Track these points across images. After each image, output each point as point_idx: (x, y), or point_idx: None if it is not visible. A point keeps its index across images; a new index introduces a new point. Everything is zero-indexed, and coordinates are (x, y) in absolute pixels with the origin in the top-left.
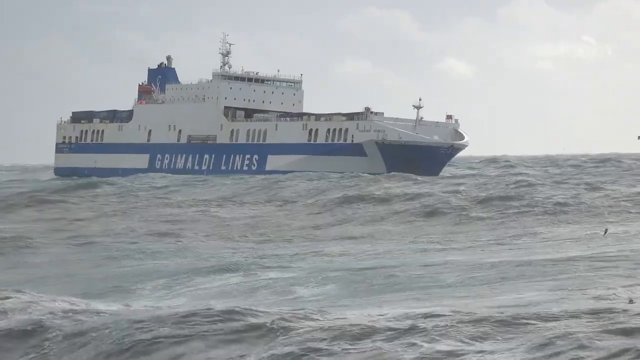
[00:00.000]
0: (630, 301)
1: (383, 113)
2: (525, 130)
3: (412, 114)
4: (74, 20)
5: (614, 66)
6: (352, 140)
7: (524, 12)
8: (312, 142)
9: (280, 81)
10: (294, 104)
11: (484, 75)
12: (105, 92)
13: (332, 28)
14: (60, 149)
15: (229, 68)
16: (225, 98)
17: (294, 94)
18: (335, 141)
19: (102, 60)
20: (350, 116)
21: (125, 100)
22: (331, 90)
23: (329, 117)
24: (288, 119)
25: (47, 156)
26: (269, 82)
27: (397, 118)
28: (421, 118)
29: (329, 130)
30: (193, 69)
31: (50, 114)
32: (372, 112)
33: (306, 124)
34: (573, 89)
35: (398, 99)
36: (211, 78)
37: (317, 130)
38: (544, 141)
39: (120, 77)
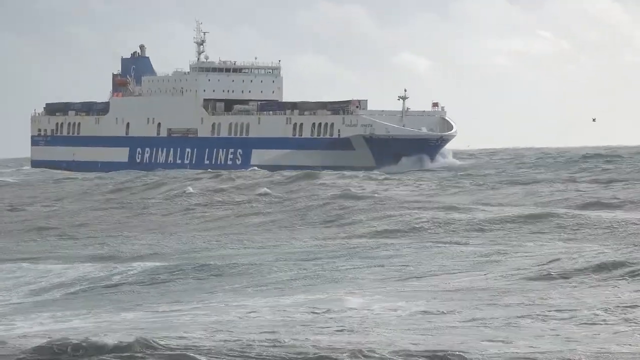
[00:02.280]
0: (594, 120)
1: (367, 100)
2: (483, 123)
3: (394, 106)
4: (34, 14)
5: (571, 60)
6: (339, 135)
7: (477, 7)
8: (297, 136)
9: (258, 69)
10: (273, 91)
11: (438, 69)
12: (77, 83)
13: (287, 23)
14: (36, 141)
15: (206, 59)
16: (204, 90)
17: (273, 81)
18: (322, 136)
19: (70, 51)
20: (335, 109)
21: (99, 91)
22: (291, 85)
23: (313, 111)
24: (271, 112)
25: (18, 149)
26: (247, 71)
27: (382, 110)
28: (407, 109)
29: (314, 124)
30: (167, 57)
31: (21, 106)
32: (357, 101)
33: (290, 118)
34: (530, 82)
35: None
36: (188, 69)
37: (301, 124)
38: (504, 134)
39: (92, 68)
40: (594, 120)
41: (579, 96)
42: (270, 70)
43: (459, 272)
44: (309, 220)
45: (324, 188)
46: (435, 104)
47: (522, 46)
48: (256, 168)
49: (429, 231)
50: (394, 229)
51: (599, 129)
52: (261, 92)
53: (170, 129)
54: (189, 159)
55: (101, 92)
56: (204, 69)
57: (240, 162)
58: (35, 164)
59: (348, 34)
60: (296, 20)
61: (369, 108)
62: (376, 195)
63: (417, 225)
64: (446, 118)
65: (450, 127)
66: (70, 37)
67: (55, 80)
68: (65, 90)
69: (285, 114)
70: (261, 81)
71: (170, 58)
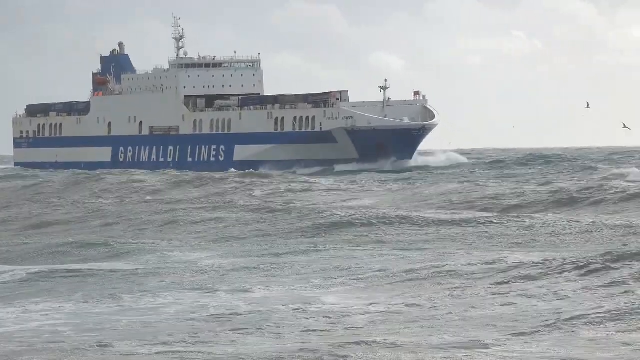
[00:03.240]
0: (588, 105)
1: (348, 91)
2: (459, 124)
3: (375, 97)
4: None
5: (545, 60)
6: (321, 128)
7: (450, 7)
8: (279, 131)
9: (238, 62)
10: (254, 85)
11: (413, 69)
12: (57, 82)
13: (262, 22)
14: (18, 144)
15: (185, 55)
16: (185, 87)
17: (254, 75)
18: (303, 129)
19: (47, 51)
20: (316, 102)
21: (79, 90)
22: (271, 79)
23: (294, 104)
24: (252, 107)
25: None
26: (227, 66)
27: (363, 102)
28: (388, 99)
29: (295, 118)
30: (146, 54)
31: (1, 107)
32: (338, 93)
33: (271, 113)
34: (505, 82)
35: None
36: (167, 66)
37: (283, 118)
38: (482, 135)
39: (71, 67)
40: (587, 106)
41: (553, 96)
42: (251, 64)
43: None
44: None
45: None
46: (416, 93)
47: (495, 46)
48: (233, 170)
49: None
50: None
51: (572, 130)
52: (242, 86)
53: (152, 127)
54: (171, 157)
55: (82, 91)
56: (183, 65)
57: (223, 158)
58: (19, 166)
59: (323, 33)
60: (271, 20)
61: (350, 100)
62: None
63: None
64: (428, 107)
65: (432, 116)
66: (47, 36)
67: (35, 80)
68: (45, 90)
69: (266, 108)
70: (241, 75)
71: (150, 55)
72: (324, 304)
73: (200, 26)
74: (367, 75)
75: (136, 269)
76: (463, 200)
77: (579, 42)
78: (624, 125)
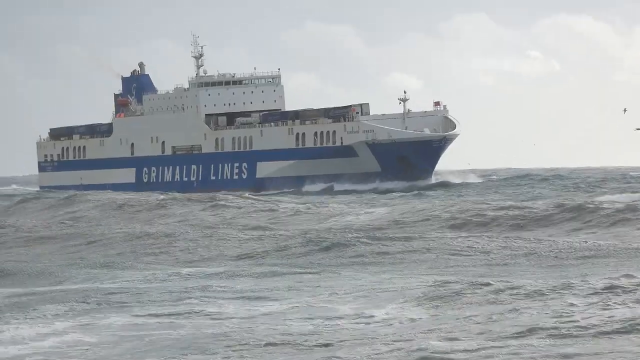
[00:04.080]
0: (625, 110)
1: (369, 104)
2: (475, 143)
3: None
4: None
5: (561, 80)
6: (342, 143)
7: (466, 27)
8: (300, 146)
9: (258, 79)
10: (275, 100)
11: (430, 88)
12: (80, 106)
13: (276, 42)
14: (43, 167)
15: (205, 73)
16: (205, 106)
17: (274, 90)
18: (324, 144)
19: (68, 74)
20: (336, 116)
21: (102, 111)
22: (291, 95)
23: (314, 120)
24: (272, 124)
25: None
26: (247, 82)
27: (383, 114)
28: (408, 110)
29: (316, 133)
30: (166, 72)
31: (25, 131)
32: (359, 106)
33: (292, 129)
34: (520, 102)
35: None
36: (187, 85)
37: (304, 134)
38: (496, 155)
39: (93, 89)
40: (624, 110)
41: (571, 116)
42: (271, 80)
43: None
44: None
45: None
46: (437, 103)
47: (511, 66)
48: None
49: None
50: None
51: (588, 149)
52: (263, 102)
53: (174, 146)
54: (195, 176)
55: (104, 113)
56: (203, 83)
57: (246, 176)
58: (45, 189)
59: (339, 53)
60: (286, 40)
61: (371, 113)
62: None
63: None
64: (449, 117)
65: (454, 126)
66: (62, 58)
67: (57, 103)
68: (68, 112)
69: (286, 124)
70: (262, 91)
71: (170, 73)
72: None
73: (214, 47)
74: (385, 93)
75: None
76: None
77: (594, 62)
78: (638, 128)
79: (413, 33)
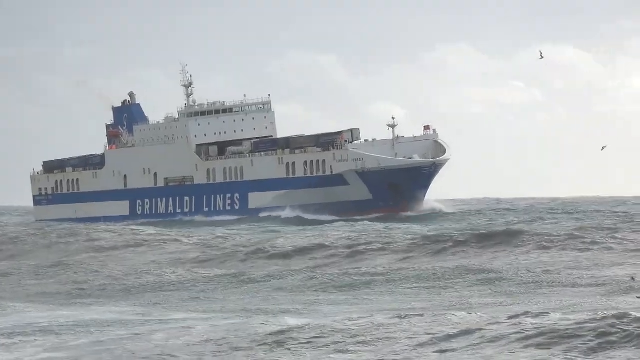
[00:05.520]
0: (632, 279)
1: (359, 129)
2: (460, 173)
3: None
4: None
5: (545, 109)
6: (332, 172)
7: (449, 58)
8: (291, 176)
9: (249, 105)
10: (266, 127)
11: (415, 117)
12: (72, 136)
13: (260, 72)
14: (38, 201)
15: (194, 102)
16: (195, 136)
17: (265, 117)
18: (314, 174)
19: (61, 105)
20: (327, 143)
21: (95, 141)
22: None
23: (304, 148)
24: (263, 153)
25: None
26: (237, 110)
27: (373, 140)
28: (397, 136)
29: (305, 162)
30: (158, 101)
31: (19, 162)
32: (349, 131)
33: (282, 158)
34: (506, 131)
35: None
36: (177, 116)
37: (293, 163)
38: (478, 185)
39: (85, 119)
40: (603, 148)
41: (552, 145)
42: (262, 106)
43: None
44: None
45: None
46: (426, 127)
47: (494, 95)
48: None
49: None
50: None
51: (572, 179)
52: (254, 129)
53: (166, 178)
54: (187, 207)
55: (96, 142)
56: (192, 113)
57: (238, 207)
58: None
59: (323, 83)
60: (270, 70)
61: (362, 138)
62: None
63: None
64: (439, 141)
65: (444, 151)
66: (54, 89)
67: (49, 134)
68: (60, 143)
69: (276, 153)
70: (253, 118)
71: (160, 101)
72: None
73: (203, 76)
74: (372, 120)
75: None
76: None
77: (577, 92)
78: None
79: (395, 64)
